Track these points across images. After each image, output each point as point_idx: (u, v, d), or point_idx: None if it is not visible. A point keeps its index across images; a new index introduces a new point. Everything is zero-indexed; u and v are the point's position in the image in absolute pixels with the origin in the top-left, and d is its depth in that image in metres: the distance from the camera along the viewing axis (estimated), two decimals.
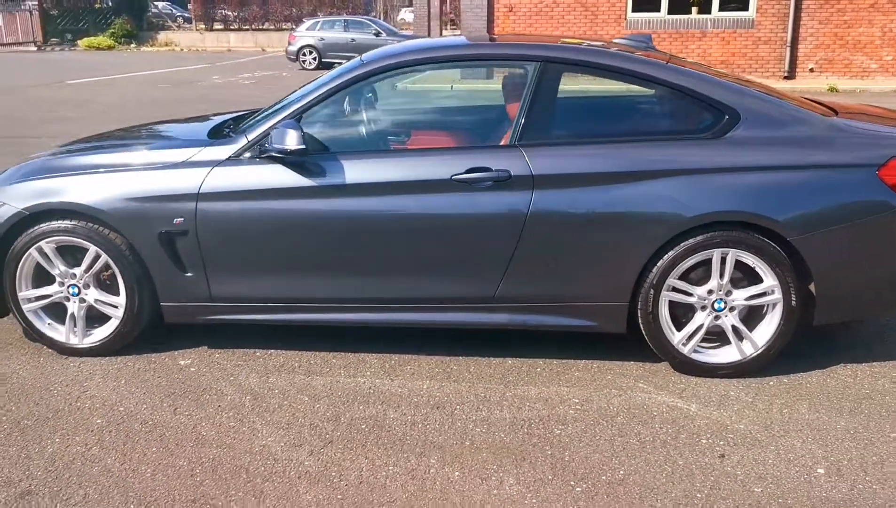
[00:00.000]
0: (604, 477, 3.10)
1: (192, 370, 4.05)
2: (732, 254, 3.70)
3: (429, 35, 25.32)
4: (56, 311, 4.21)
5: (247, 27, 35.86)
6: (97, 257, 4.04)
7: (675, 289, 3.77)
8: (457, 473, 3.15)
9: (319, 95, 3.97)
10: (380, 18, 34.40)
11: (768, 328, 3.78)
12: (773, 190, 3.66)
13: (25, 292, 4.14)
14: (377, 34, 23.14)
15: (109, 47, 34.90)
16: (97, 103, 15.72)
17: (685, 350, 3.83)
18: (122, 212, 3.95)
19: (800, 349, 4.14)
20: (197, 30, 37.09)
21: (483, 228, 3.78)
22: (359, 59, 4.20)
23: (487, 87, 4.10)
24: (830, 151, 3.72)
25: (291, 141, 3.73)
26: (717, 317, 3.82)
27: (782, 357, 3.95)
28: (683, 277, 3.78)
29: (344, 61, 4.40)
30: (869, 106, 4.77)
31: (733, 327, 3.81)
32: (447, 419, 3.53)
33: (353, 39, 23.04)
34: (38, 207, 4.01)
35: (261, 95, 16.80)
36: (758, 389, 3.77)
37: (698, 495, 2.98)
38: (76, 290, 4.13)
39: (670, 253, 3.70)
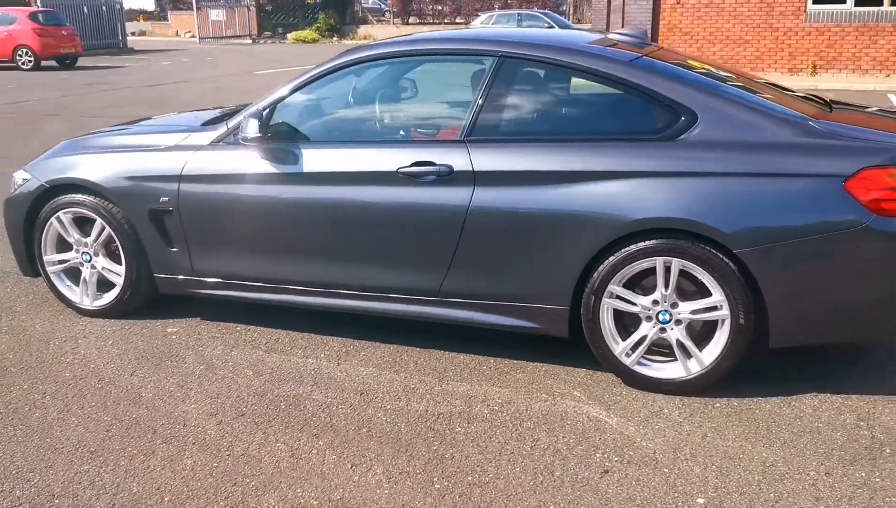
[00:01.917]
0: (469, 478, 3.09)
1: (174, 337, 4.38)
2: (676, 264, 3.51)
3: (606, 29, 24.90)
4: (75, 275, 4.68)
5: (439, 21, 36.79)
6: (103, 228, 4.46)
7: (617, 297, 3.64)
8: (333, 457, 3.24)
9: (290, 88, 4.16)
10: (570, 12, 34.15)
11: (716, 346, 3.56)
12: (721, 198, 3.44)
13: (49, 256, 4.65)
14: (549, 27, 23.04)
15: (314, 40, 37.07)
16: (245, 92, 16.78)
17: (628, 361, 3.69)
18: (121, 189, 4.34)
19: (779, 371, 3.86)
20: (394, 24, 38.56)
21: (427, 221, 3.82)
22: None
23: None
24: (794, 157, 3.44)
25: (251, 130, 3.96)
26: (662, 330, 3.64)
27: (750, 378, 3.73)
28: (632, 284, 3.64)
29: None
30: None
31: (678, 341, 3.62)
32: (361, 406, 3.62)
33: None
34: (56, 181, 4.49)
35: None
36: (697, 409, 3.57)
37: (551, 506, 2.91)
38: (88, 257, 4.58)
39: (611, 258, 3.58)
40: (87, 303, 4.63)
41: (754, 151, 3.46)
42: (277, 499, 2.97)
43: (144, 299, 4.59)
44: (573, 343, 3.86)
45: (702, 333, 3.61)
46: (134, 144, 4.50)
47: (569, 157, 3.63)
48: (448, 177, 3.75)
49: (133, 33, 43.36)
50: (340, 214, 3.96)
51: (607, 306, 3.65)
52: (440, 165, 3.75)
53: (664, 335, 3.63)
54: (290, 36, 38.07)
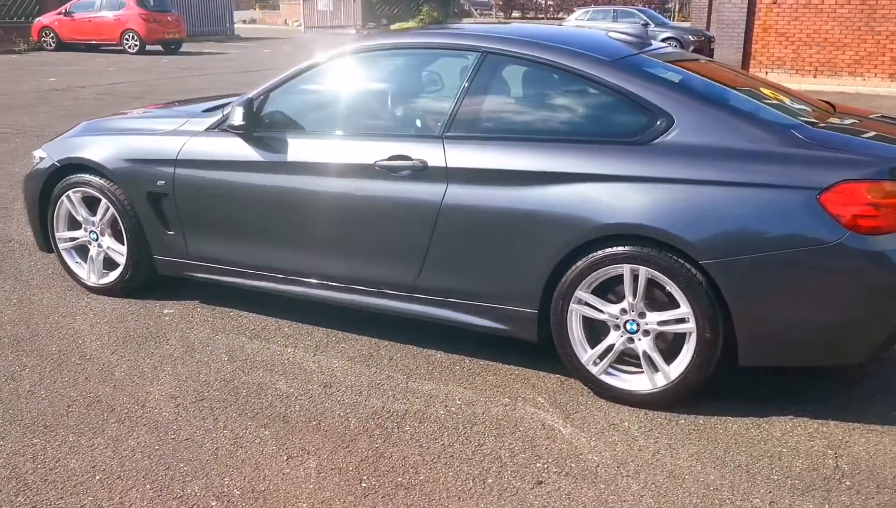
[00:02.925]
0: (398, 479, 3.02)
1: (166, 319, 4.46)
2: (644, 272, 3.34)
3: (706, 26, 24.13)
4: (84, 252, 4.82)
5: (542, 16, 36.47)
6: (108, 209, 4.58)
7: (585, 303, 3.49)
8: (274, 447, 3.22)
9: (283, 78, 4.16)
10: (675, 9, 33.23)
11: (683, 361, 3.38)
12: (690, 206, 3.25)
13: (60, 233, 4.80)
14: (644, 25, 22.46)
15: None
16: None
17: (595, 370, 3.54)
18: (123, 170, 4.44)
19: (760, 391, 3.64)
20: (495, 17, 38.43)
21: (402, 216, 3.76)
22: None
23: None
24: (769, 167, 3.22)
25: (236, 118, 3.98)
26: (630, 339, 3.47)
27: (726, 397, 3.54)
28: (604, 291, 3.48)
29: None
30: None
31: (644, 352, 3.44)
32: (320, 398, 3.59)
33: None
34: (66, 161, 4.62)
35: None
36: (659, 424, 3.39)
37: None
38: (95, 236, 4.70)
39: (578, 263, 3.43)
40: (94, 280, 4.76)
41: (728, 159, 3.25)
42: (202, 486, 2.96)
43: (146, 280, 4.67)
44: (545, 348, 3.71)
45: (673, 346, 3.41)
46: (139, 127, 4.60)
47: (540, 157, 3.51)
48: (422, 172, 3.67)
49: (244, 21, 44.74)
50: (319, 204, 3.94)
51: (575, 313, 3.50)
52: (415, 159, 3.68)
53: (632, 346, 3.45)
54: (393, 27, 38.46)
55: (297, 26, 40.92)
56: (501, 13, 39.11)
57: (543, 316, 3.59)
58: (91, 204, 4.67)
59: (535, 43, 3.75)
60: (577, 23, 23.52)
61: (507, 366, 3.89)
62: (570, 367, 3.62)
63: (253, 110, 4.04)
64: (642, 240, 3.30)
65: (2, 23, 25.42)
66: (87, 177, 4.57)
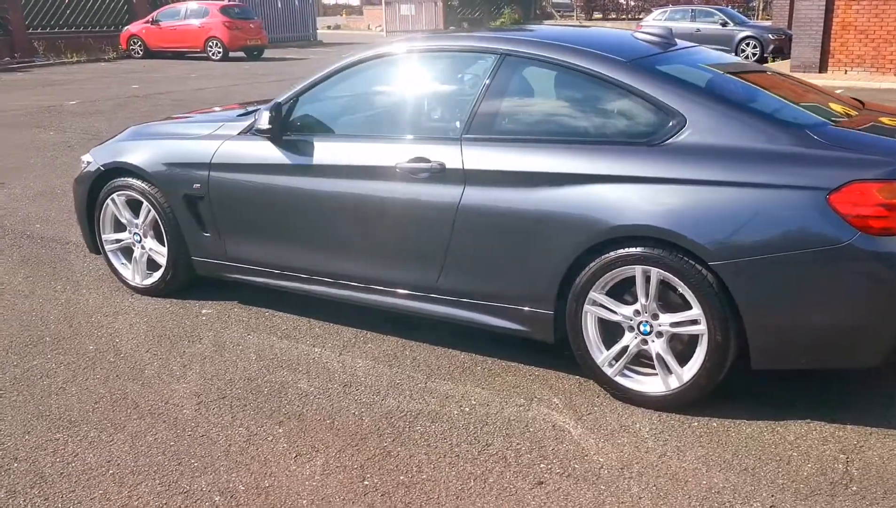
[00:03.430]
0: (401, 478, 3.03)
1: (203, 319, 4.58)
2: (655, 274, 3.27)
3: (787, 24, 23.35)
4: (128, 254, 4.99)
5: (622, 17, 35.94)
6: (149, 211, 4.73)
7: (599, 304, 3.44)
8: (285, 444, 3.28)
9: (311, 82, 4.23)
10: (759, 7, 32.26)
11: (696, 363, 3.30)
12: (700, 207, 3.17)
13: (106, 235, 4.98)
14: (724, 24, 21.85)
15: None
16: None
17: (610, 372, 3.48)
18: (162, 174, 4.58)
19: (779, 394, 3.54)
20: (576, 18, 38.09)
21: (422, 217, 3.77)
22: None
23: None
24: (780, 167, 3.11)
25: (263, 122, 4.07)
26: (644, 341, 3.40)
27: (744, 400, 3.46)
28: (621, 292, 3.43)
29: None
30: None
31: (658, 354, 3.37)
32: (338, 398, 3.63)
33: (697, 30, 22.01)
34: (110, 165, 4.80)
35: None
36: (671, 427, 3.31)
37: None
38: (139, 238, 4.87)
39: (592, 265, 3.39)
40: (138, 281, 4.92)
41: (738, 159, 3.16)
42: (209, 482, 3.03)
43: (186, 281, 4.80)
44: (562, 350, 3.67)
45: (687, 348, 3.33)
46: (177, 132, 4.73)
47: (553, 158, 3.47)
48: (441, 174, 3.68)
49: (329, 27, 45.57)
50: (344, 206, 3.98)
51: (590, 314, 3.46)
52: (434, 161, 3.69)
53: (646, 347, 3.38)
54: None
55: (379, 31, 41.41)
56: (582, 14, 38.70)
57: (559, 317, 3.55)
58: (134, 207, 4.82)
59: (552, 45, 3.72)
60: (655, 23, 23.03)
61: (527, 367, 3.86)
62: (585, 368, 3.57)
63: (280, 114, 4.11)
64: (653, 241, 3.24)
65: (92, 32, 26.54)
66: (130, 180, 4.73)
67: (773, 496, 2.84)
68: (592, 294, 3.41)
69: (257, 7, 28.63)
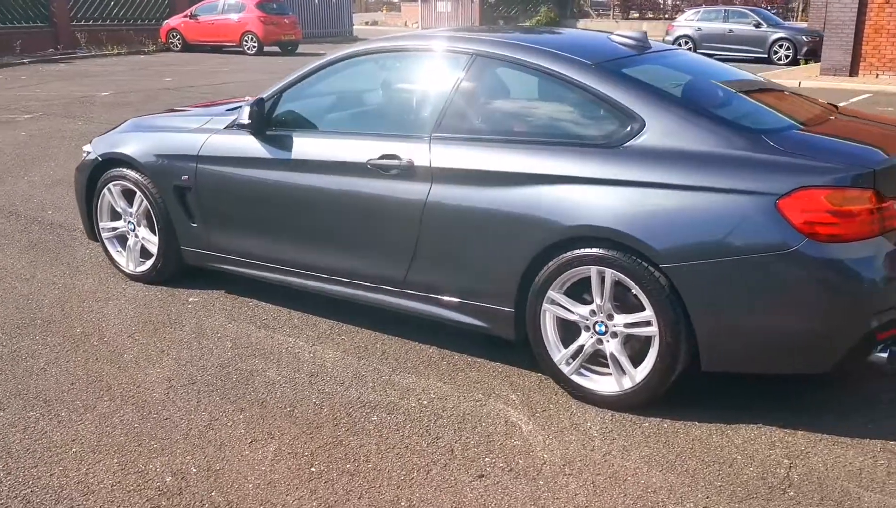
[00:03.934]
0: (347, 466, 3.11)
1: (189, 307, 4.71)
2: (610, 274, 3.32)
3: (823, 27, 22.96)
4: (124, 242, 5.14)
5: (659, 16, 35.61)
6: (142, 201, 4.87)
7: (557, 303, 3.49)
8: (242, 430, 3.38)
9: (293, 79, 4.33)
10: (799, 8, 31.75)
11: (648, 364, 3.33)
12: (653, 209, 3.21)
13: (103, 223, 5.14)
14: (757, 25, 21.58)
15: None
16: None
17: (566, 370, 3.53)
18: (153, 165, 4.72)
19: (738, 398, 3.56)
20: (613, 18, 37.82)
21: (391, 214, 3.85)
22: None
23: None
24: (731, 171, 3.14)
25: (243, 117, 4.18)
26: (599, 341, 3.45)
27: (701, 401, 3.49)
28: (580, 292, 3.48)
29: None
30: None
31: (612, 354, 3.41)
32: (302, 387, 3.72)
33: (730, 30, 21.79)
34: (106, 155, 4.95)
35: None
36: (621, 426, 3.35)
37: (402, 502, 2.88)
38: (133, 227, 5.01)
39: (550, 264, 3.44)
40: (132, 268, 5.07)
41: (692, 163, 3.19)
42: (164, 463, 3.14)
43: (176, 269, 4.93)
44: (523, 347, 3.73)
45: (642, 349, 3.37)
46: (170, 125, 4.87)
47: (517, 158, 3.53)
48: (409, 171, 3.76)
49: (366, 23, 45.82)
50: (319, 201, 4.08)
51: (549, 313, 3.51)
52: (403, 159, 3.77)
53: (601, 347, 3.43)
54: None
55: (415, 27, 41.56)
56: (619, 13, 38.40)
57: (520, 315, 3.60)
58: (129, 196, 4.97)
59: (521, 46, 3.77)
60: (687, 23, 22.86)
61: (492, 363, 3.92)
62: (543, 366, 3.63)
63: (261, 110, 4.22)
64: (607, 243, 3.28)
65: (134, 25, 27.02)
66: (125, 171, 4.87)
67: (707, 497, 2.88)
68: (551, 293, 3.46)
69: (294, 3, 28.90)
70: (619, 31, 4.07)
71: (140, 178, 4.79)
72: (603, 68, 3.55)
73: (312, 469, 3.08)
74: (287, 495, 2.93)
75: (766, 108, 3.71)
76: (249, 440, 3.29)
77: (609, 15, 38.87)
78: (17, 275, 5.23)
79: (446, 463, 3.10)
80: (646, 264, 3.21)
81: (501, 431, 3.33)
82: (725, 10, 22.17)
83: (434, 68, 4.11)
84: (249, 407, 3.54)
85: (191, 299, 4.80)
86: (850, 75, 16.03)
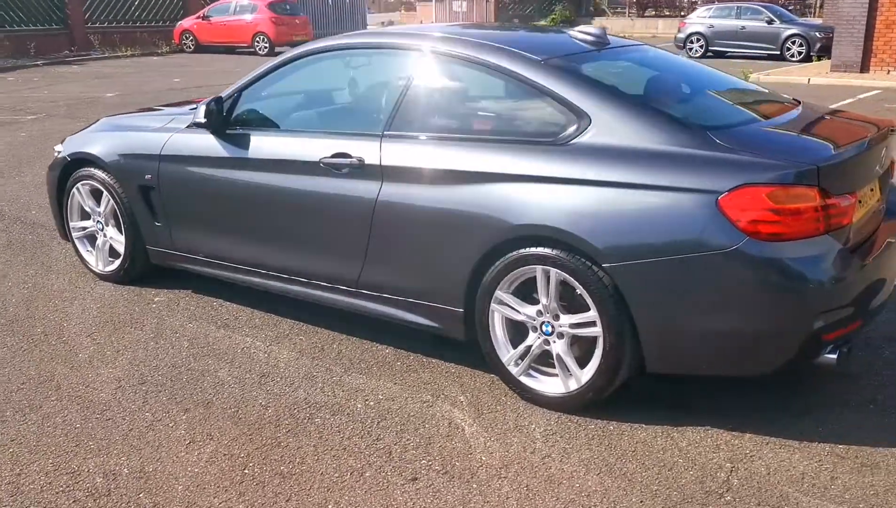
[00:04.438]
0: (281, 468, 3.07)
1: (153, 306, 4.69)
2: (555, 274, 3.26)
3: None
4: (94, 241, 5.14)
5: (675, 14, 35.36)
6: (109, 201, 4.86)
7: (504, 303, 3.43)
8: (182, 431, 3.35)
9: (251, 78, 4.30)
10: (817, 4, 31.36)
11: (594, 365, 3.27)
12: (595, 208, 3.14)
13: (73, 223, 5.14)
14: (769, 21, 21.31)
15: None
16: None
17: (515, 371, 3.48)
18: (119, 165, 4.71)
19: (690, 399, 3.48)
20: (629, 16, 37.60)
21: (343, 213, 3.81)
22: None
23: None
24: (676, 169, 3.06)
25: (199, 115, 4.16)
26: (546, 342, 3.39)
27: (651, 403, 3.44)
28: (523, 292, 3.42)
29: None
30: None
31: (558, 355, 3.35)
32: (251, 387, 3.69)
33: (742, 27, 21.54)
34: (74, 155, 4.95)
35: None
36: (565, 429, 3.29)
37: (330, 505, 2.84)
38: (101, 226, 5.01)
39: (497, 263, 3.39)
40: (101, 268, 5.06)
41: (635, 160, 3.12)
42: (98, 464, 3.12)
43: (144, 268, 4.92)
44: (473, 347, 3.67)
45: (589, 350, 3.30)
46: (136, 124, 4.85)
47: (465, 156, 3.48)
48: (360, 170, 3.71)
49: (382, 23, 45.74)
50: (275, 200, 4.05)
51: (496, 312, 3.45)
52: (354, 157, 3.72)
53: (548, 348, 3.37)
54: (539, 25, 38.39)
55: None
56: (634, 11, 38.16)
57: (469, 315, 3.55)
58: (97, 196, 4.95)
59: (472, 43, 3.72)
60: (700, 20, 22.63)
61: (446, 364, 3.86)
62: (492, 367, 3.58)
63: (219, 108, 4.19)
64: (552, 242, 3.22)
65: (148, 27, 27.19)
66: (93, 170, 4.86)
67: (642, 502, 2.81)
68: (498, 293, 3.40)
69: (308, 3, 28.95)
70: (581, 28, 3.99)
71: (107, 177, 4.78)
72: (552, 65, 3.49)
73: (245, 472, 3.04)
74: (215, 497, 2.90)
75: (722, 104, 3.63)
76: (188, 442, 3.25)
77: (625, 13, 38.61)
78: None
79: (381, 466, 3.06)
80: (589, 264, 3.14)
81: (444, 433, 3.27)
82: (738, 7, 21.91)
83: (388, 66, 4.07)
84: (194, 408, 3.51)
85: (156, 299, 4.78)
86: (861, 72, 15.80)
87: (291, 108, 4.40)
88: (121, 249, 4.90)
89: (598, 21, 37.95)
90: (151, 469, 3.08)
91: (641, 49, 4.13)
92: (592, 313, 3.18)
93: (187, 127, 4.44)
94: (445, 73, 3.78)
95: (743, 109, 3.63)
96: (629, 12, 38.04)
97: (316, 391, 3.64)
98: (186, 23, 25.69)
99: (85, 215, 5.09)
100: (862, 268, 3.15)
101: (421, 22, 44.30)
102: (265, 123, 4.25)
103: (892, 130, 3.63)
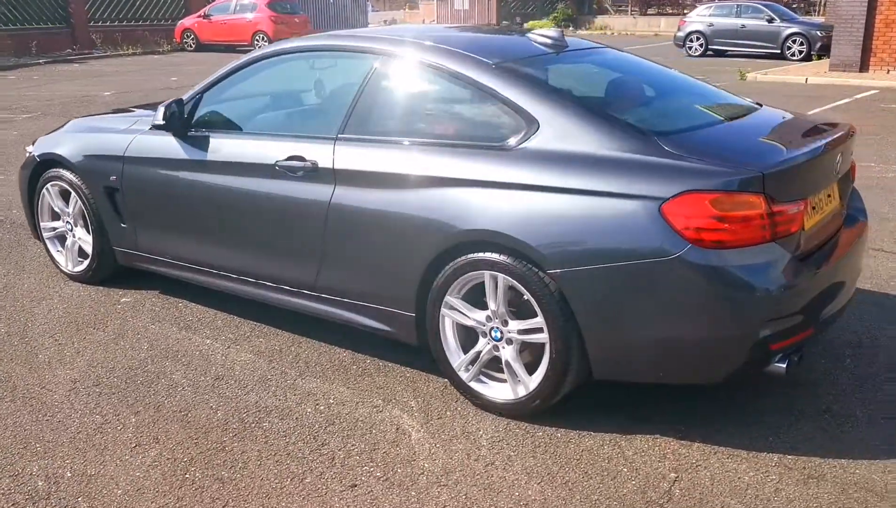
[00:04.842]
0: (222, 473, 3.06)
1: (119, 307, 4.68)
2: (502, 279, 3.24)
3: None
4: (64, 242, 5.14)
5: (678, 11, 35.26)
6: (76, 201, 4.86)
7: (454, 308, 3.41)
8: (130, 434, 3.34)
9: (211, 81, 4.30)
10: (822, 2, 31.20)
11: (541, 371, 3.25)
12: (541, 213, 3.12)
13: (44, 223, 5.14)
14: (770, 20, 21.22)
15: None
16: None
17: (465, 376, 3.46)
18: (85, 166, 4.71)
19: (645, 407, 3.46)
20: (631, 14, 37.53)
21: (299, 216, 3.80)
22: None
23: None
24: (620, 175, 3.04)
25: (158, 117, 4.15)
26: (496, 347, 3.37)
27: (606, 410, 3.42)
28: (473, 297, 3.40)
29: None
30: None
31: (507, 362, 3.33)
32: (204, 390, 3.68)
33: (742, 26, 21.45)
34: (44, 156, 4.95)
35: None
36: (513, 436, 3.27)
37: None
38: (70, 227, 5.00)
39: (447, 268, 3.37)
40: (70, 268, 5.06)
41: (580, 166, 3.10)
42: (41, 466, 3.11)
43: (112, 269, 4.91)
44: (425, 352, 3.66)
45: (539, 356, 3.28)
46: (103, 126, 4.85)
47: (414, 160, 3.46)
48: (314, 173, 3.70)
49: (385, 21, 45.74)
50: (232, 202, 4.04)
51: (447, 317, 3.43)
52: (308, 160, 3.71)
53: (497, 354, 3.34)
54: (525, 25, 38.30)
55: (432, 24, 41.44)
56: (636, 9, 38.08)
57: (421, 320, 3.53)
58: (66, 197, 4.95)
59: (425, 46, 3.70)
60: (700, 18, 22.53)
61: (403, 368, 3.85)
62: (444, 372, 3.56)
63: (180, 110, 4.19)
64: (498, 247, 3.19)
65: (149, 25, 27.26)
66: (61, 171, 4.86)
67: None
68: (448, 298, 3.39)
69: (309, 2, 28.95)
70: (539, 30, 3.97)
71: (74, 178, 4.78)
72: (503, 68, 3.46)
73: (186, 476, 3.03)
74: (152, 502, 2.89)
75: (676, 108, 3.61)
76: (134, 445, 3.25)
77: (627, 11, 38.51)
78: None
79: (322, 472, 3.04)
80: (536, 270, 3.12)
81: (390, 439, 3.26)
82: (738, 6, 21.80)
83: (345, 69, 4.06)
84: (145, 410, 3.51)
85: (122, 300, 4.78)
86: (860, 71, 15.71)
87: (251, 110, 4.39)
88: (89, 249, 4.90)
89: (600, 19, 37.92)
90: (94, 472, 3.07)
91: (601, 52, 4.11)
92: (539, 320, 3.16)
93: (151, 129, 4.43)
94: (399, 76, 3.76)
95: (698, 113, 3.60)
96: (631, 10, 37.95)
97: (268, 394, 3.62)
98: (188, 21, 25.74)
99: (55, 216, 5.09)
100: (815, 275, 3.13)
101: (423, 21, 44.30)
102: (225, 125, 4.24)
103: (851, 134, 3.60)
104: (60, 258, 5.12)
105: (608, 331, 3.05)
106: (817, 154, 3.20)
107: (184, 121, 4.21)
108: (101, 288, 4.94)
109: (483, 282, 3.31)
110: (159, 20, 27.73)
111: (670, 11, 36.28)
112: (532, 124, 3.25)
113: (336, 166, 3.62)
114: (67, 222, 4.99)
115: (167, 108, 4.13)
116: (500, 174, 3.23)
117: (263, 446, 3.22)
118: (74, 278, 5.05)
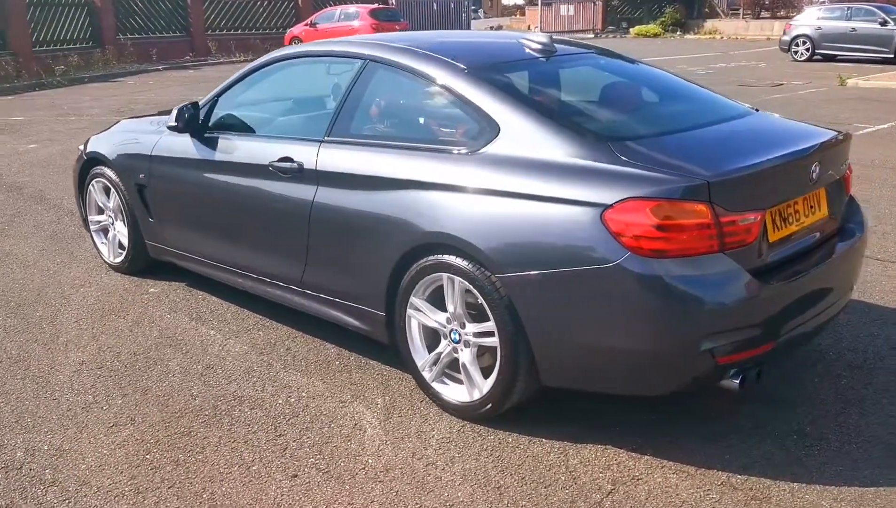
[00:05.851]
0: (180, 456, 3.23)
1: (146, 297, 4.98)
2: (458, 282, 3.31)
3: None
4: (108, 234, 5.49)
5: (790, 15, 33.97)
6: (115, 197, 5.21)
7: (418, 309, 3.51)
8: (110, 414, 3.57)
9: (226, 85, 4.54)
10: None
11: (494, 375, 3.29)
12: (491, 218, 3.17)
13: (91, 217, 5.51)
14: (883, 23, 20.15)
15: (656, 35, 36.19)
16: None
17: (427, 376, 3.54)
18: (122, 164, 5.04)
19: (610, 416, 3.45)
20: (743, 18, 36.42)
21: (287, 215, 3.97)
22: None
23: None
24: (567, 180, 3.05)
25: (171, 119, 4.41)
26: (455, 349, 3.44)
27: (573, 417, 3.44)
28: (437, 299, 3.47)
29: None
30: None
31: (464, 364, 3.39)
32: (192, 377, 3.88)
33: (853, 29, 20.47)
34: (90, 154, 5.32)
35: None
36: (464, 438, 3.32)
37: (204, 495, 2.98)
38: (111, 220, 5.36)
39: (411, 269, 3.46)
40: (112, 259, 5.42)
41: (532, 171, 3.13)
42: (24, 440, 3.37)
43: (147, 261, 5.22)
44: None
45: (495, 359, 3.33)
46: (140, 127, 5.17)
47: (384, 162, 3.58)
48: (300, 174, 3.86)
49: (491, 27, 46.04)
50: (233, 200, 4.27)
51: (413, 318, 3.52)
52: (296, 161, 3.88)
53: (456, 356, 3.41)
54: (632, 30, 37.71)
55: (536, 31, 41.34)
56: (748, 13, 36.90)
57: (390, 319, 3.63)
58: (108, 193, 5.30)
59: (406, 50, 3.80)
60: (807, 22, 21.65)
61: (383, 366, 3.95)
62: (410, 371, 3.65)
63: (195, 112, 4.45)
64: (455, 250, 3.26)
65: (261, 34, 28.42)
66: (103, 169, 5.21)
67: None
68: (413, 299, 3.47)
69: (412, 9, 29.50)
70: (530, 35, 4.00)
71: (113, 176, 5.11)
72: (474, 73, 3.52)
73: (147, 457, 3.22)
74: (108, 478, 3.08)
75: (649, 114, 3.59)
76: (111, 425, 3.47)
77: (739, 14, 37.35)
78: (22, 261, 5.69)
79: (270, 461, 3.17)
80: (488, 274, 3.16)
81: (345, 433, 3.36)
82: (849, 8, 20.81)
83: (339, 73, 4.20)
84: (133, 393, 3.73)
85: (150, 290, 5.07)
86: None
87: (256, 113, 4.60)
88: (126, 242, 5.22)
89: (710, 23, 36.87)
90: (68, 447, 3.30)
91: (590, 57, 4.11)
92: (491, 324, 3.20)
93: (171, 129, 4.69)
94: (381, 80, 3.87)
95: (673, 118, 3.56)
96: (744, 14, 36.79)
97: (248, 385, 3.79)
98: (296, 30, 26.65)
99: (100, 210, 5.45)
100: (777, 288, 3.04)
101: (528, 26, 44.26)
102: (234, 127, 4.46)
103: (840, 141, 3.49)
104: (104, 250, 5.47)
105: (554, 337, 3.07)
106: (780, 162, 3.12)
107: (199, 123, 4.44)
108: (135, 278, 5.25)
109: (441, 284, 3.37)
110: (271, 29, 28.83)
111: (782, 14, 34.95)
112: (494, 129, 3.30)
113: (318, 168, 3.77)
114: (109, 215, 5.33)
115: (180, 110, 4.37)
116: (460, 178, 3.29)
117: (226, 433, 3.38)
118: (115, 268, 5.39)
